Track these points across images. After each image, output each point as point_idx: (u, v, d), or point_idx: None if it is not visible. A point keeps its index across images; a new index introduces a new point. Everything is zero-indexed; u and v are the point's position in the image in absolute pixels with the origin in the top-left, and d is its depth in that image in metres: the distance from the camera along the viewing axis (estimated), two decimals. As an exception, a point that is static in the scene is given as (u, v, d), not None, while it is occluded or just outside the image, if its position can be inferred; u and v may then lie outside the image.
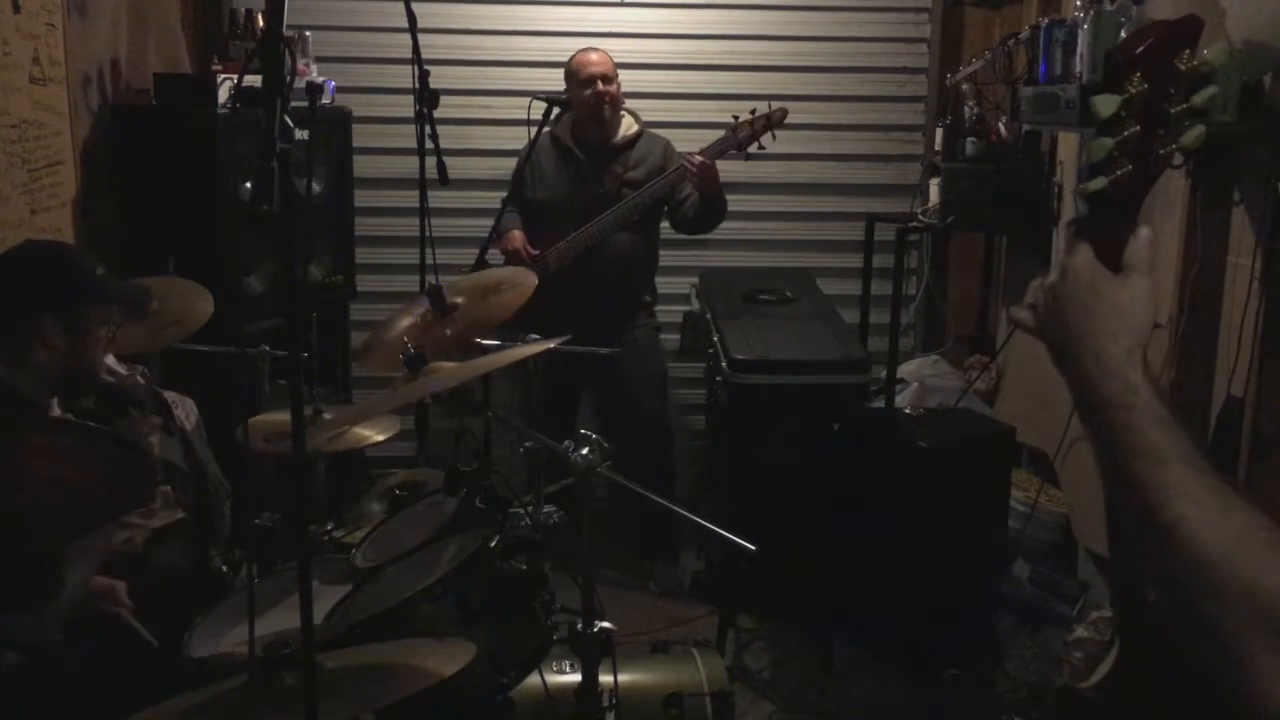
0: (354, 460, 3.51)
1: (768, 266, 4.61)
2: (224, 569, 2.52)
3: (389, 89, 4.27)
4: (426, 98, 2.44)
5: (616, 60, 3.96)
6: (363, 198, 4.20)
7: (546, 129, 3.78)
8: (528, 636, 2.06)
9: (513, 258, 3.84)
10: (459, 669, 1.65)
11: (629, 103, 4.02)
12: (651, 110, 4.21)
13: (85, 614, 2.17)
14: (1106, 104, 0.97)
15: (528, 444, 2.46)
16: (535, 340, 2.52)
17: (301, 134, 1.52)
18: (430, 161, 2.45)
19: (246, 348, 2.92)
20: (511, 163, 4.04)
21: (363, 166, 4.20)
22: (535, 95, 3.68)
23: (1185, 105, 0.98)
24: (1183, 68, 0.97)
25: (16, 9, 2.93)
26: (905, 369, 4.33)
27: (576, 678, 2.12)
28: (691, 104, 4.54)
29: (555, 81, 3.99)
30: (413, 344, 2.33)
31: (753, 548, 2.14)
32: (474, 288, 2.68)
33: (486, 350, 2.53)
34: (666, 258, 4.22)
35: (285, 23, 1.40)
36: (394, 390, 2.34)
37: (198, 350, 2.76)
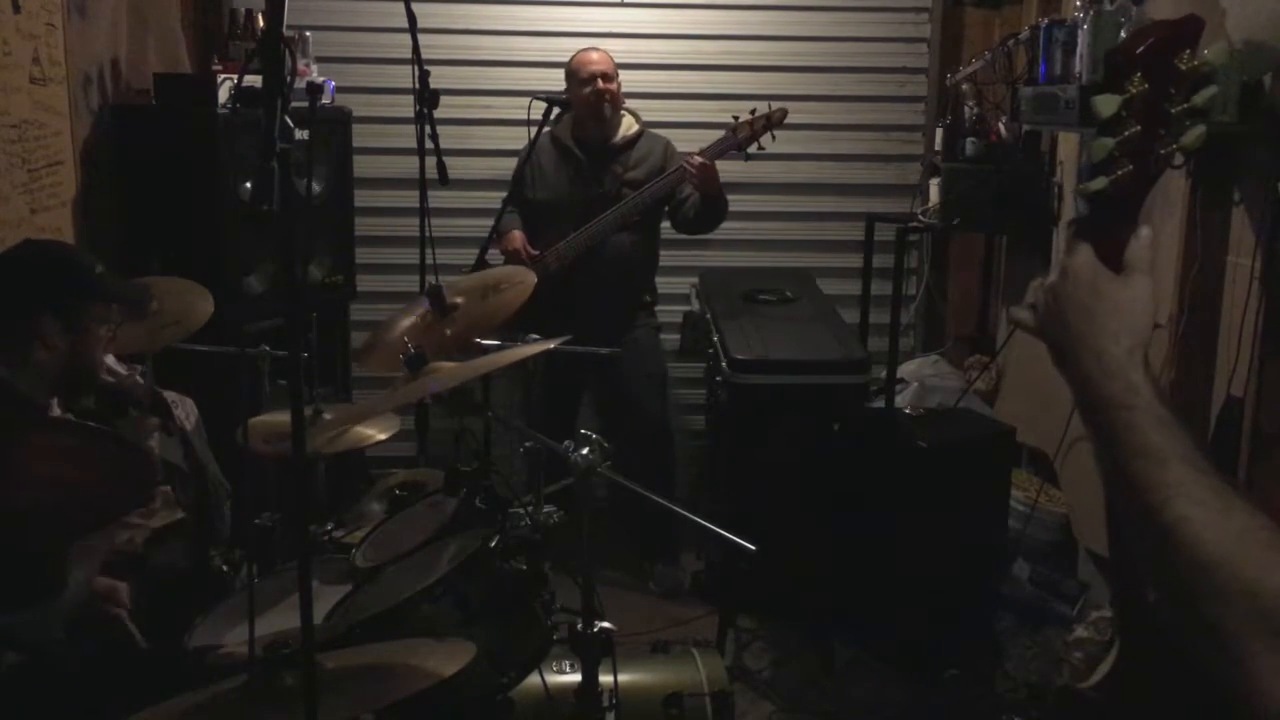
0: (354, 460, 3.51)
1: (768, 266, 4.61)
2: (224, 569, 2.52)
3: (389, 89, 4.27)
4: (426, 98, 2.44)
5: (616, 60, 3.96)
6: (363, 198, 4.20)
7: (546, 129, 3.78)
8: (528, 636, 2.06)
9: (513, 258, 3.84)
10: (459, 669, 1.65)
11: (629, 103, 4.02)
12: (651, 110, 4.21)
13: (87, 614, 2.17)
14: (1107, 104, 0.97)
15: (528, 444, 2.46)
16: (535, 340, 2.52)
17: (301, 134, 1.51)
18: (430, 161, 2.45)
19: (246, 348, 2.92)
20: (511, 163, 4.04)
21: (363, 166, 4.20)
22: (535, 95, 3.68)
23: (1186, 105, 0.98)
24: (1183, 68, 0.97)
25: (16, 9, 2.93)
26: (905, 369, 4.33)
27: (576, 678, 2.12)
28: (691, 104, 4.54)
29: (555, 81, 3.99)
30: (413, 344, 2.32)
31: (753, 548, 2.14)
32: (474, 288, 2.68)
33: (486, 350, 2.53)
34: (666, 258, 4.22)
35: (285, 23, 1.40)
36: (394, 390, 2.34)
37: (198, 350, 2.76)
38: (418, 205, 2.51)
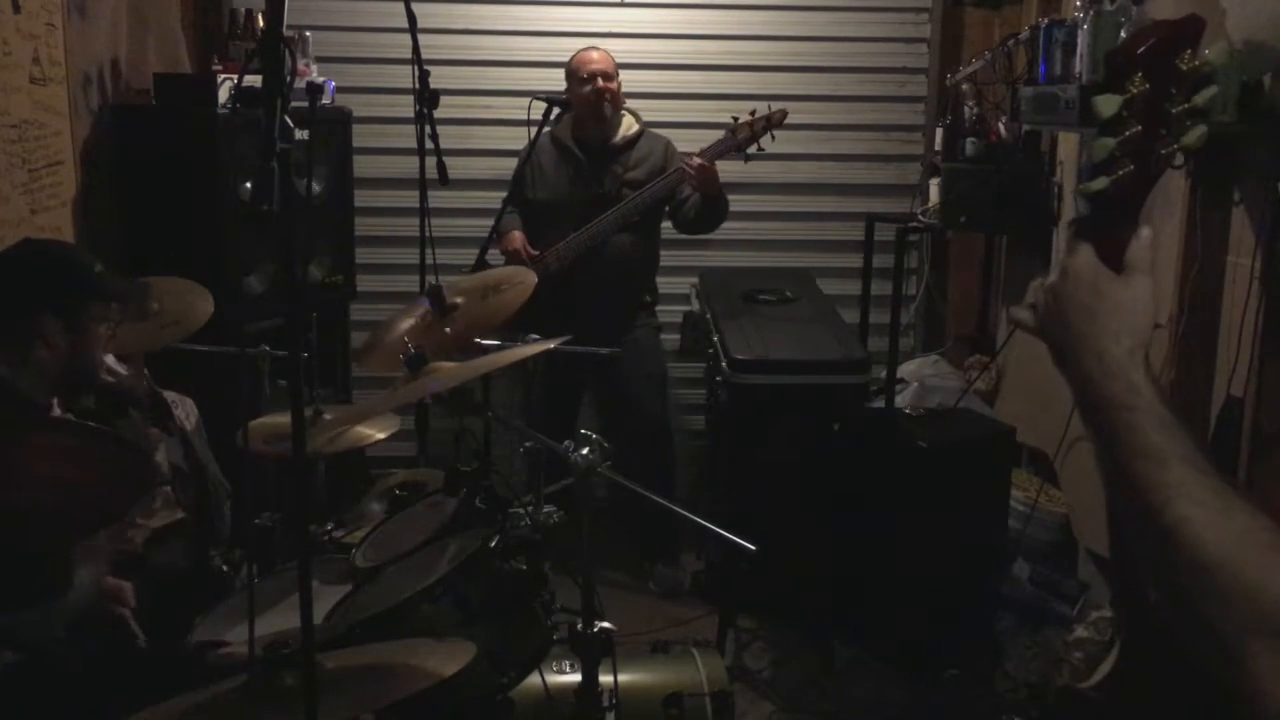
0: (354, 460, 3.51)
1: (768, 266, 4.61)
2: (224, 569, 2.52)
3: (389, 89, 4.27)
4: (426, 98, 2.44)
5: (616, 60, 3.96)
6: (363, 198, 4.20)
7: (546, 129, 3.78)
8: (528, 636, 2.06)
9: (513, 258, 3.84)
10: (459, 669, 1.65)
11: (629, 103, 4.01)
12: (651, 110, 4.21)
13: (93, 614, 2.17)
14: (1108, 104, 0.97)
15: (528, 444, 2.46)
16: (535, 340, 2.52)
17: (301, 134, 1.51)
18: (430, 161, 2.45)
19: (246, 348, 2.92)
20: (511, 163, 4.03)
21: (363, 166, 4.20)
22: (535, 95, 3.68)
23: (1187, 105, 0.98)
24: (1184, 68, 0.97)
25: (16, 9, 2.93)
26: (905, 369, 4.33)
27: (576, 678, 2.12)
28: (691, 104, 4.53)
29: (555, 81, 3.99)
30: (413, 344, 2.33)
31: (753, 548, 2.14)
32: (474, 288, 2.68)
33: (486, 350, 2.53)
34: (666, 258, 4.22)
35: (285, 23, 1.40)
36: (394, 390, 2.34)
37: (198, 350, 2.76)
38: (418, 205, 2.51)
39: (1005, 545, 3.59)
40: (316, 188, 3.76)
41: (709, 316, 4.05)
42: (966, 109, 3.95)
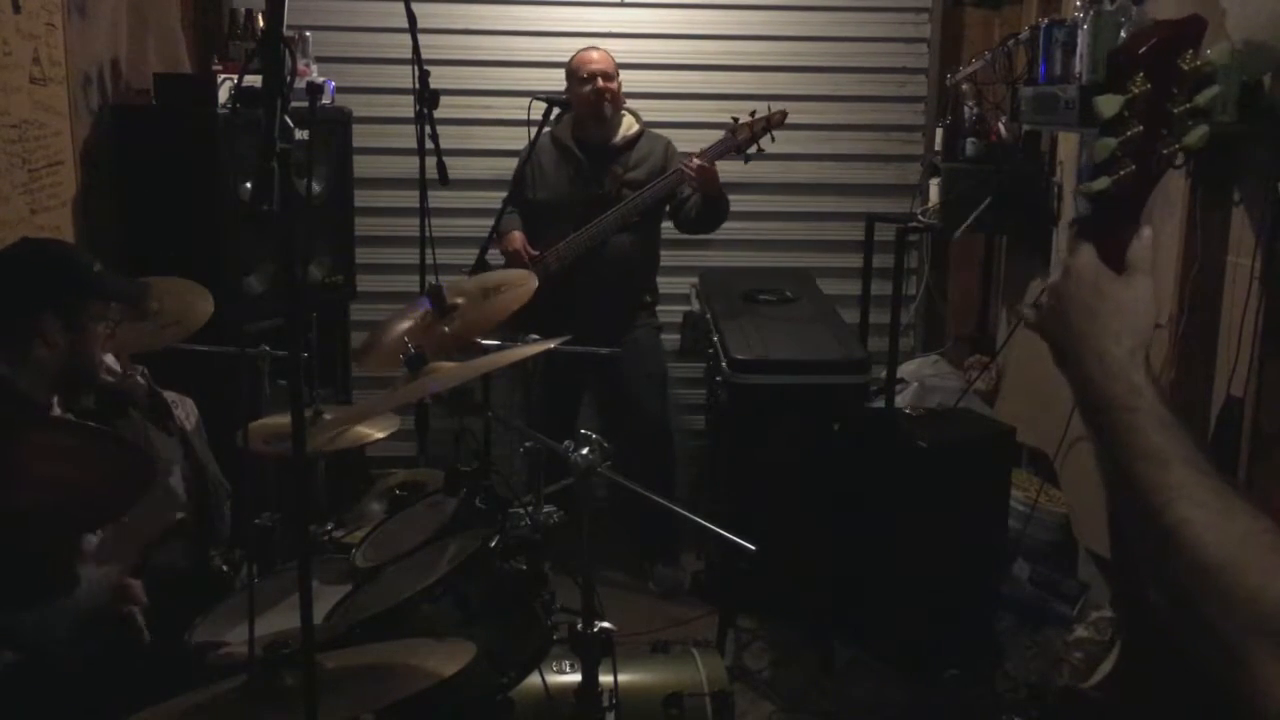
0: (354, 460, 3.51)
1: (768, 266, 4.61)
2: (224, 569, 2.52)
3: (389, 89, 4.27)
4: (426, 98, 2.44)
5: (616, 60, 3.96)
6: (363, 198, 4.20)
7: (547, 129, 3.78)
8: (528, 636, 2.06)
9: (513, 258, 3.84)
10: (459, 669, 1.65)
11: (629, 103, 4.01)
12: (651, 110, 4.21)
13: (103, 612, 2.17)
14: (1109, 104, 0.97)
15: (528, 444, 2.46)
16: (535, 340, 2.52)
17: (301, 134, 1.51)
18: (430, 161, 2.45)
19: (246, 348, 2.92)
20: (511, 163, 4.03)
21: (363, 166, 4.20)
22: (535, 95, 3.68)
23: (1188, 105, 0.98)
24: (1186, 68, 0.97)
25: (16, 9, 2.93)
26: (905, 369, 4.33)
27: (576, 678, 2.12)
28: (691, 104, 4.53)
29: (555, 81, 3.99)
30: (413, 344, 2.33)
31: (753, 548, 2.14)
32: (474, 288, 2.68)
33: (486, 350, 2.53)
34: (666, 258, 4.22)
35: (285, 23, 1.39)
36: (394, 390, 2.34)
37: (198, 350, 2.76)
38: (418, 205, 2.51)
39: (1005, 545, 3.59)
40: (316, 188, 3.76)
41: (709, 316, 4.05)
42: (966, 109, 3.95)
